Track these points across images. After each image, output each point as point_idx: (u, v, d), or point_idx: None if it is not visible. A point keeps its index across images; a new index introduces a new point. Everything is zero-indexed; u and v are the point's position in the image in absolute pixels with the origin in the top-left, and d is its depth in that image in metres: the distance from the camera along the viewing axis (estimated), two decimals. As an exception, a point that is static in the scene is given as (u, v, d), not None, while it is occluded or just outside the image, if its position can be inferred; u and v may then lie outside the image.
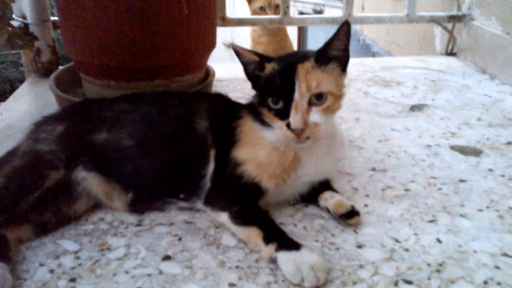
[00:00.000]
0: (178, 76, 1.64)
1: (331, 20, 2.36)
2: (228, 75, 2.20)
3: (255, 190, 1.14)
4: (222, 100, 1.33)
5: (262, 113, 1.11)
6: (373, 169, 1.41)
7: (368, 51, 4.30)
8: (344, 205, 1.16)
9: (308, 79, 1.05)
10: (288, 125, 1.05)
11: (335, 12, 7.08)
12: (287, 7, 2.27)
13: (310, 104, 1.06)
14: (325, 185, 1.23)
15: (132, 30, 1.47)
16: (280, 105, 1.07)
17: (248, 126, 1.18)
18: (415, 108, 1.85)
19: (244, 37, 3.50)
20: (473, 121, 1.72)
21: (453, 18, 2.46)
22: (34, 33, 1.88)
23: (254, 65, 1.11)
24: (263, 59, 1.11)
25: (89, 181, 1.17)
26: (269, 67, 1.10)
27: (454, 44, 2.54)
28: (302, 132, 1.05)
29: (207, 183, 1.17)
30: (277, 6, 3.29)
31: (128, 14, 1.45)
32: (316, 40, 7.35)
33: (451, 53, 2.56)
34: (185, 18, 1.53)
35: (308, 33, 7.28)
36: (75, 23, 1.53)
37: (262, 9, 3.39)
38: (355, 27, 4.32)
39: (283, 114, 1.07)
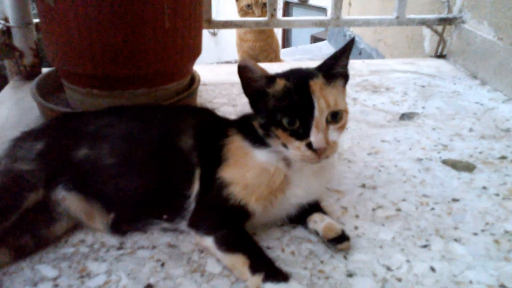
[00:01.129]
0: (163, 84, 1.57)
1: (319, 23, 2.30)
2: (213, 78, 2.13)
3: (241, 212, 1.08)
4: (208, 116, 1.27)
5: (271, 134, 1.04)
6: (363, 186, 1.35)
7: (354, 47, 4.23)
8: (334, 229, 1.11)
9: (325, 96, 1.01)
10: (309, 145, 1.00)
11: (320, 1, 7.03)
12: (274, 10, 2.20)
13: (327, 122, 1.02)
14: (314, 206, 1.18)
15: (115, 38, 1.41)
16: (297, 124, 1.01)
17: (236, 145, 1.12)
18: (405, 116, 1.79)
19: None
20: (465, 132, 1.67)
21: (444, 21, 2.41)
22: (14, 44, 1.81)
23: (262, 82, 1.04)
24: (274, 76, 1.05)
25: (69, 201, 1.11)
26: (280, 84, 1.03)
27: (444, 47, 2.49)
28: (323, 151, 1.00)
29: (191, 203, 1.11)
30: (264, 4, 3.23)
31: (111, 22, 1.39)
32: (300, 36, 7.31)
33: (440, 56, 2.51)
34: (171, 28, 1.47)
35: (293, 28, 7.22)
36: (57, 30, 1.46)
37: (249, 7, 3.34)
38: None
39: (300, 134, 1.01)
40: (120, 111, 1.25)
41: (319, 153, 1.00)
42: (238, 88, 1.98)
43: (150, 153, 1.13)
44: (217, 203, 1.08)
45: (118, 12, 1.37)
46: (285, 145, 1.03)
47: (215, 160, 1.11)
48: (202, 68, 2.23)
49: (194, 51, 1.64)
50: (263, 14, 3.34)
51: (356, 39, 4.23)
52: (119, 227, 1.14)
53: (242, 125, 1.15)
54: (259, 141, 1.09)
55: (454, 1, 2.43)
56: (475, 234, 1.16)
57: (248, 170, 1.08)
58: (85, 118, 1.23)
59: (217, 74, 2.18)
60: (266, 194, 1.08)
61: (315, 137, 0.99)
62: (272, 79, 1.03)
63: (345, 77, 1.09)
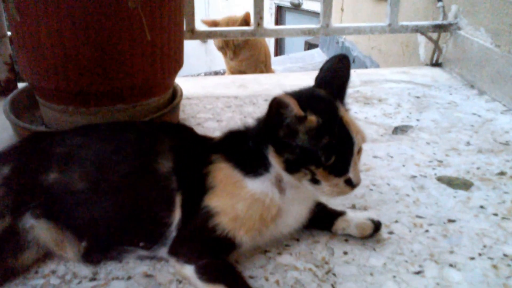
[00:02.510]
0: (142, 99, 1.49)
1: (308, 31, 2.22)
2: (198, 91, 2.05)
3: (228, 244, 1.01)
4: (188, 135, 1.20)
5: (302, 170, 0.97)
6: (353, 207, 1.27)
7: (347, 54, 4.16)
8: (367, 227, 1.14)
9: (357, 128, 0.98)
10: (348, 181, 0.97)
11: (313, 5, 6.98)
12: (261, 18, 2.12)
13: None
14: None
15: (90, 52, 1.33)
16: (332, 160, 0.95)
17: (224, 173, 1.04)
18: (398, 130, 1.72)
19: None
20: (461, 146, 1.59)
21: (439, 28, 2.33)
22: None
23: (293, 119, 0.95)
24: (305, 110, 0.96)
25: (38, 229, 1.03)
26: (313, 121, 0.95)
27: (439, 54, 2.42)
28: (358, 185, 0.98)
29: (172, 232, 1.03)
30: (236, 46, 3.18)
31: (85, 35, 1.31)
32: (294, 42, 7.24)
33: (436, 64, 2.43)
34: (149, 40, 1.39)
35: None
36: (28, 45, 1.38)
37: (222, 49, 3.30)
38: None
39: (339, 171, 0.97)
40: (93, 130, 1.18)
41: (355, 187, 0.98)
42: (223, 102, 1.92)
43: (125, 176, 1.06)
44: (201, 233, 1.01)
45: (91, 25, 1.30)
46: (316, 181, 0.98)
47: (199, 187, 1.04)
48: (186, 80, 2.16)
49: (175, 63, 1.56)
50: (235, 55, 3.29)
51: (350, 46, 4.16)
52: (92, 257, 1.06)
53: (228, 148, 1.08)
54: (251, 168, 1.03)
55: (449, 7, 2.36)
56: (472, 258, 1.09)
57: (238, 200, 1.01)
58: (55, 138, 1.15)
59: (202, 87, 2.10)
60: (257, 226, 1.02)
61: (354, 173, 0.97)
62: (303, 117, 0.95)
63: None
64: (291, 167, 0.98)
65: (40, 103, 1.54)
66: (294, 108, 0.93)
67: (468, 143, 1.61)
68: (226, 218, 1.00)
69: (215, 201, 1.02)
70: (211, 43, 5.96)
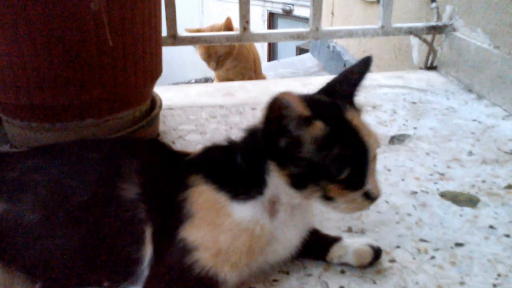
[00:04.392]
0: (114, 113, 1.35)
1: (297, 35, 2.09)
2: (180, 101, 1.91)
3: (209, 284, 0.86)
4: (159, 152, 1.05)
5: (311, 186, 0.84)
6: (349, 230, 1.14)
7: (339, 59, 4.05)
8: (365, 254, 1.01)
9: (369, 131, 0.85)
10: (366, 195, 0.84)
11: (304, 11, 6.89)
12: (247, 22, 1.98)
13: None
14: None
15: (51, 62, 1.19)
16: (346, 173, 0.82)
17: (205, 198, 0.90)
18: (395, 140, 1.59)
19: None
20: (463, 156, 1.46)
21: (433, 29, 2.21)
22: None
23: (295, 123, 0.81)
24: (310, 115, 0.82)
25: None
26: (320, 128, 0.81)
27: (434, 57, 2.30)
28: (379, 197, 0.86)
29: (144, 270, 0.88)
30: (219, 57, 3.07)
31: (45, 43, 1.17)
32: (287, 47, 7.15)
33: (431, 67, 2.31)
34: (119, 47, 1.25)
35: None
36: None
37: (206, 60, 3.18)
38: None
39: (356, 184, 0.84)
40: (50, 151, 1.03)
41: (375, 200, 0.86)
42: (208, 112, 1.78)
43: (84, 205, 0.90)
44: (178, 271, 0.86)
45: (52, 32, 1.16)
46: (329, 198, 0.85)
47: (173, 216, 0.90)
48: (168, 89, 2.03)
49: (152, 72, 1.42)
50: (218, 66, 3.17)
51: (341, 50, 4.04)
52: None
53: (210, 166, 0.94)
54: (241, 190, 0.89)
55: (443, 8, 2.24)
56: (486, 291, 0.96)
57: (222, 231, 0.87)
58: (6, 161, 0.99)
59: (185, 96, 1.96)
60: (244, 261, 0.88)
61: (372, 184, 0.84)
62: (308, 119, 0.81)
63: None
64: (298, 183, 0.85)
65: (2, 118, 1.39)
66: (297, 107, 0.79)
67: (470, 153, 1.49)
68: (206, 253, 0.86)
69: (193, 233, 0.87)
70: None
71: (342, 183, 0.83)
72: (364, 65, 0.93)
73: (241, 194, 0.88)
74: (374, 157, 0.86)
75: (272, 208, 0.90)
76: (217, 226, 0.87)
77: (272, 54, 7.94)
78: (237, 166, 0.91)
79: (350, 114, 0.85)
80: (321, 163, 0.82)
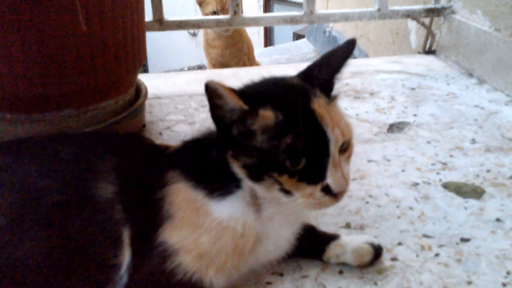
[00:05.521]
0: (94, 102, 1.27)
1: (290, 19, 2.00)
2: (168, 89, 1.83)
3: None
4: (138, 147, 0.97)
5: (266, 179, 0.76)
6: (348, 226, 1.07)
7: (335, 44, 3.95)
8: (365, 252, 0.94)
9: (336, 122, 0.76)
10: (326, 189, 0.75)
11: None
12: (237, 5, 1.89)
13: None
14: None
15: (24, 49, 1.10)
16: (302, 164, 0.74)
17: (183, 197, 0.82)
18: (394, 128, 1.51)
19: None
20: (466, 144, 1.39)
21: (431, 12, 2.13)
22: None
23: (237, 115, 0.75)
24: (255, 104, 0.75)
25: None
26: (268, 117, 0.75)
27: (432, 41, 2.22)
28: (344, 193, 0.77)
29: (122, 277, 0.80)
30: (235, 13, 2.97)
31: (17, 32, 1.08)
32: (283, 33, 7.04)
33: (429, 51, 2.23)
34: (97, 31, 1.16)
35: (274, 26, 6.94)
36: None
37: (215, 14, 3.06)
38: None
39: (313, 177, 0.75)
40: (19, 147, 0.95)
41: (339, 197, 0.77)
42: (197, 101, 1.70)
43: (55, 206, 0.82)
44: (159, 277, 0.79)
45: (23, 17, 1.07)
46: (287, 192, 0.76)
47: (152, 217, 0.82)
48: (157, 77, 1.95)
49: (135, 58, 1.33)
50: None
51: (337, 35, 3.95)
52: None
53: (188, 161, 0.86)
54: (217, 186, 0.81)
55: (442, -11, 2.16)
56: (496, 290, 0.89)
57: (204, 232, 0.80)
58: None
59: (174, 84, 1.88)
60: (230, 263, 0.80)
61: (333, 178, 0.75)
62: (252, 112, 0.74)
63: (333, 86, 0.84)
64: (254, 175, 0.78)
65: (-23, 111, 1.31)
66: (231, 100, 0.72)
67: (473, 141, 1.41)
68: (189, 257, 0.78)
69: (173, 235, 0.80)
70: (201, 36, 5.75)
71: (296, 175, 0.75)
72: (347, 49, 0.84)
73: (217, 190, 0.81)
74: (347, 149, 0.79)
75: (256, 203, 0.82)
76: (198, 226, 0.80)
77: (268, 41, 7.83)
78: (213, 160, 0.84)
79: (316, 102, 0.77)
80: (273, 153, 0.74)
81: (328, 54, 0.85)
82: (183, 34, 7.19)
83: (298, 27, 5.97)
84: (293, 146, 0.73)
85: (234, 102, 0.73)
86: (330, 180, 0.75)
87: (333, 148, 0.75)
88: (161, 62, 6.36)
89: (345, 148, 0.78)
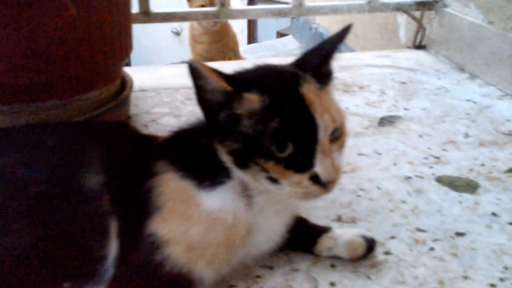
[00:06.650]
0: (80, 93, 1.22)
1: (279, 12, 1.97)
2: (154, 83, 1.78)
3: (183, 282, 0.75)
4: (125, 137, 0.93)
5: (252, 165, 0.73)
6: (339, 219, 1.03)
7: (321, 40, 3.92)
8: (358, 245, 0.91)
9: (326, 107, 0.72)
10: (314, 178, 0.71)
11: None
12: (225, -2, 1.86)
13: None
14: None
15: (8, 39, 1.05)
16: (289, 151, 0.70)
17: (173, 187, 0.79)
18: (385, 121, 1.48)
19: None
20: (459, 138, 1.36)
21: (422, 5, 2.11)
22: None
23: (221, 97, 0.72)
24: (240, 86, 0.72)
25: None
26: (253, 101, 0.71)
27: (423, 35, 2.19)
28: (334, 183, 0.73)
29: (109, 269, 0.77)
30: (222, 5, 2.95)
31: (1, 18, 1.03)
32: (267, 32, 7.01)
33: (419, 46, 2.21)
34: (82, 19, 1.12)
35: (258, 21, 6.88)
36: None
37: (208, 5, 3.04)
38: (308, 15, 3.91)
39: (300, 164, 0.71)
40: (2, 136, 0.91)
41: (328, 187, 0.72)
42: (183, 94, 1.66)
43: (39, 196, 0.78)
44: (147, 270, 0.75)
45: (7, 6, 1.02)
46: (274, 180, 0.72)
47: (140, 208, 0.78)
48: (142, 70, 1.90)
49: (121, 49, 1.29)
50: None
51: (323, 32, 3.92)
52: None
53: (178, 152, 0.83)
54: (207, 176, 0.78)
55: (433, -17, 2.13)
56: (493, 286, 0.86)
57: (193, 223, 0.76)
58: None
59: (160, 77, 1.83)
60: (221, 254, 0.77)
61: (322, 166, 0.71)
62: (236, 95, 0.71)
63: (331, 74, 0.81)
64: (239, 161, 0.74)
65: (-45, 101, 1.26)
66: (214, 81, 0.69)
67: (466, 135, 1.38)
68: (178, 248, 0.75)
69: (162, 227, 0.76)
70: (184, 35, 5.66)
71: (283, 162, 0.71)
72: (341, 34, 0.81)
73: (207, 180, 0.78)
74: (339, 137, 0.75)
75: (247, 194, 0.78)
76: (187, 217, 0.77)
77: (252, 40, 7.80)
78: (202, 149, 0.80)
79: (306, 87, 0.73)
80: (259, 137, 0.71)
81: (324, 41, 0.82)
82: (166, 33, 7.13)
83: (282, 26, 5.93)
84: (279, 130, 0.70)
85: (216, 83, 0.70)
86: (318, 168, 0.71)
87: (322, 135, 0.71)
88: (144, 61, 6.31)
89: (337, 136, 0.75)
